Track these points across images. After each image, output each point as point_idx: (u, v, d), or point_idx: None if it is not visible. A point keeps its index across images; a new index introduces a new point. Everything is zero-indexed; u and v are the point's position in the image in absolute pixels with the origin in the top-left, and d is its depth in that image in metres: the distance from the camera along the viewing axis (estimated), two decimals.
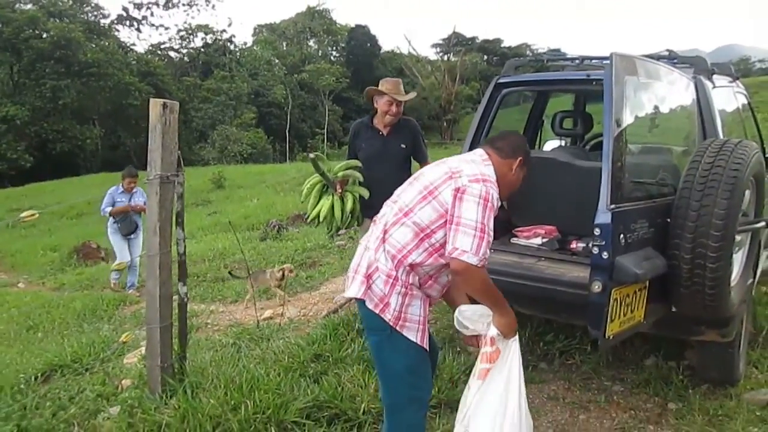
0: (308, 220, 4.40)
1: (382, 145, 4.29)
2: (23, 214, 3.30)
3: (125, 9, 45.16)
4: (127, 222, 7.83)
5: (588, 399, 3.57)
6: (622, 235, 2.61)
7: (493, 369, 2.37)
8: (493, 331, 2.37)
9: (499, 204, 2.36)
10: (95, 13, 42.39)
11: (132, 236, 7.94)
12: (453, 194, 2.30)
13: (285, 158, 41.08)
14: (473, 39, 70.54)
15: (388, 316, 2.33)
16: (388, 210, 2.49)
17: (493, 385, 2.37)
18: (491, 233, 2.24)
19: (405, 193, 2.47)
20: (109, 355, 4.75)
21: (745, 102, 4.62)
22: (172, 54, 48.50)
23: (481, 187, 2.29)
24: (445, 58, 62.11)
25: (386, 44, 63.06)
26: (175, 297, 3.42)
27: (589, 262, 2.75)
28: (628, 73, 2.75)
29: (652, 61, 3.11)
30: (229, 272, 6.63)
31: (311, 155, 4.26)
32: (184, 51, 48.63)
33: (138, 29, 45.95)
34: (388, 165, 4.20)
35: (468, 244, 2.19)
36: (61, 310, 6.99)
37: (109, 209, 7.77)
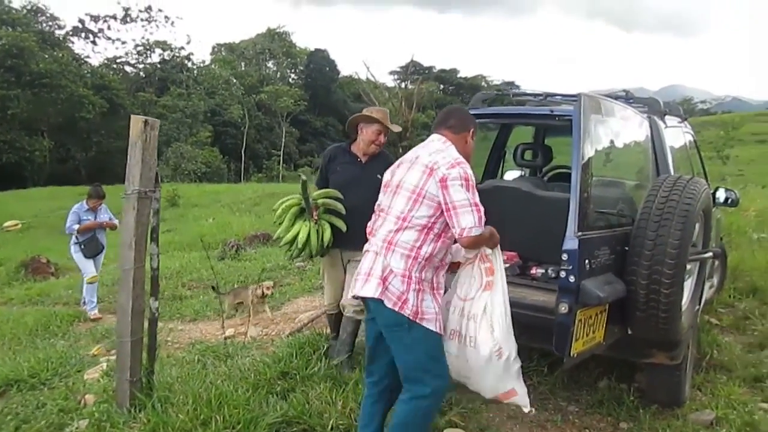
0: (281, 243, 4.12)
1: (360, 172, 4.06)
2: (6, 224, 3.27)
3: (81, 21, 44.45)
4: (93, 243, 7.48)
5: (545, 418, 3.72)
6: (587, 261, 2.80)
7: (493, 281, 2.81)
8: (486, 250, 2.81)
9: None
10: (50, 23, 41.57)
11: (97, 256, 7.63)
12: (439, 186, 2.60)
13: (240, 178, 40.80)
14: (430, 68, 71.93)
15: (407, 312, 2.60)
16: (382, 220, 2.79)
17: (496, 294, 2.80)
18: (480, 204, 2.60)
19: (395, 202, 2.74)
20: (68, 371, 4.70)
21: (692, 141, 4.95)
22: (127, 68, 47.84)
23: (459, 170, 2.62)
24: (403, 85, 62.94)
25: (345, 69, 63.45)
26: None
27: (551, 287, 2.96)
28: (594, 112, 2.97)
29: (613, 102, 3.34)
30: (213, 287, 6.57)
31: (303, 177, 4.11)
32: (141, 66, 48.06)
33: (94, 42, 45.16)
34: (363, 193, 3.86)
35: (471, 221, 2.56)
36: (11, 325, 6.81)
37: (76, 227, 7.38)
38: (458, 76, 74.87)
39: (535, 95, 4.28)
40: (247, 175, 43.76)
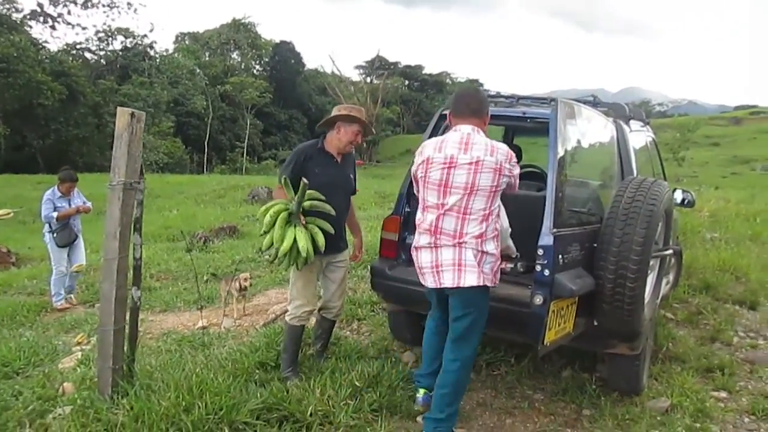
0: (279, 254, 3.71)
1: (338, 173, 4.03)
2: None
3: (40, 5, 43.01)
4: (66, 231, 7.19)
5: (513, 405, 3.91)
6: (560, 256, 2.98)
7: None
8: None
9: None
10: (7, 6, 40.19)
11: (73, 244, 7.33)
12: (510, 178, 3.14)
13: (203, 169, 40.42)
14: (396, 64, 72.28)
15: (490, 283, 3.13)
16: (457, 218, 3.10)
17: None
18: None
19: (475, 202, 3.09)
20: (41, 360, 4.70)
21: (653, 144, 5.21)
22: (88, 55, 46.61)
23: (515, 161, 3.17)
24: (368, 80, 63.18)
25: (310, 62, 63.45)
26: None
27: (521, 281, 3.15)
28: (568, 117, 3.15)
29: (585, 107, 3.54)
30: (213, 274, 6.92)
31: (305, 180, 3.68)
32: (102, 53, 46.88)
33: (53, 27, 43.82)
34: (342, 194, 4.03)
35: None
36: None
37: (54, 214, 7.07)
38: (423, 72, 75.41)
39: (506, 97, 4.45)
40: (210, 166, 43.36)
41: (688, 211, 10.95)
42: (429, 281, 3.21)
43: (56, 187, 7.28)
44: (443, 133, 4.29)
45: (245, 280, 5.77)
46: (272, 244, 3.72)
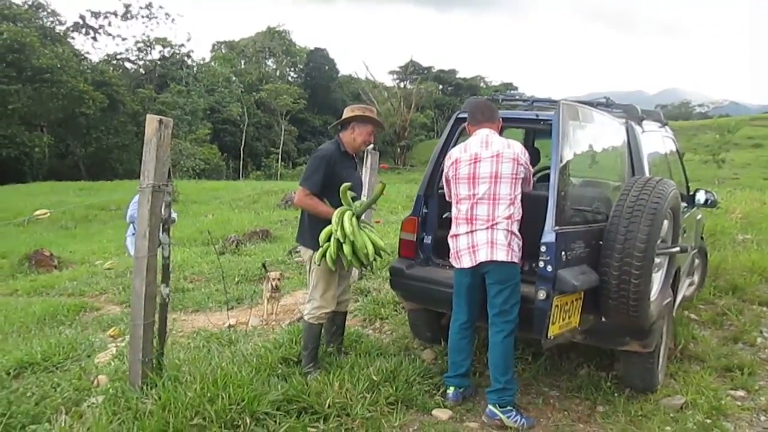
0: (369, 258, 3.88)
1: (356, 174, 4.22)
2: (36, 213, 3.52)
3: (82, 17, 44.57)
4: None
5: (528, 402, 3.99)
6: (563, 252, 3.08)
7: None
8: None
9: None
10: (51, 19, 41.73)
11: None
12: (525, 167, 3.65)
13: (238, 175, 41.05)
14: (429, 68, 72.23)
15: (516, 259, 3.55)
16: (489, 204, 3.59)
17: None
18: None
19: (501, 189, 3.58)
20: (79, 355, 4.95)
21: (672, 144, 5.23)
22: (127, 65, 47.97)
23: (527, 154, 3.72)
24: (402, 85, 63.39)
25: (344, 68, 64.03)
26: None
27: (530, 278, 3.24)
28: (572, 118, 3.25)
29: (590, 108, 3.62)
30: (263, 265, 7.09)
31: (382, 182, 4.03)
32: (141, 63, 48.18)
33: (94, 38, 45.30)
34: (359, 193, 4.16)
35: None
36: (20, 314, 7.04)
37: None
38: (457, 76, 75.21)
39: (523, 100, 4.55)
40: (245, 172, 44.04)
41: (720, 213, 10.82)
42: (465, 261, 3.62)
43: None
44: (460, 135, 4.43)
45: (275, 279, 5.77)
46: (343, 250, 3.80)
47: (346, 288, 4.34)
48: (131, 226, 7.15)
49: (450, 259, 3.77)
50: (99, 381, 4.02)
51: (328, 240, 3.82)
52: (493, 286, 3.58)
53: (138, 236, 3.59)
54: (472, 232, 3.60)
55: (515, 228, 3.56)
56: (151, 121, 3.54)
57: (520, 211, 3.61)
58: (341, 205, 3.89)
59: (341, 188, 3.83)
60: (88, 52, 45.20)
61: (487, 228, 3.55)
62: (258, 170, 44.62)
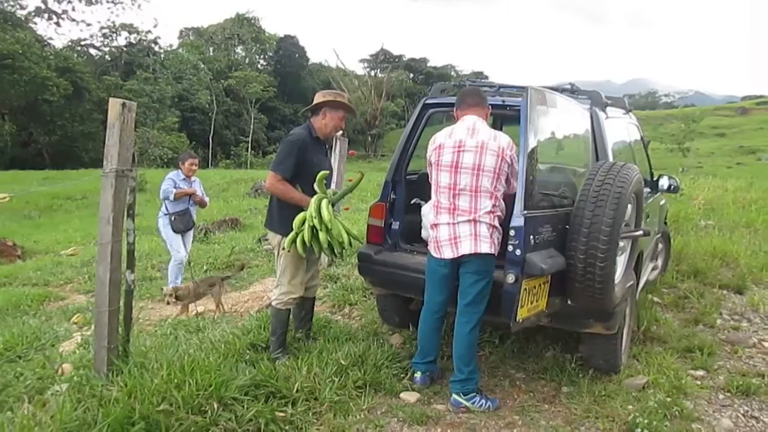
0: (345, 249, 3.96)
1: (328, 161, 4.22)
2: None
3: (44, 1, 43.19)
4: (186, 218, 6.93)
5: (494, 384, 4.05)
6: (531, 236, 3.12)
7: None
8: None
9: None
10: (12, 3, 40.37)
11: (186, 233, 7.07)
12: (510, 163, 3.52)
13: (207, 164, 40.53)
14: (400, 57, 72.11)
15: (496, 252, 3.52)
16: (470, 196, 3.53)
17: None
18: None
19: (482, 182, 3.51)
20: (43, 344, 4.87)
21: (636, 131, 5.32)
22: (92, 51, 46.93)
23: (516, 150, 3.49)
24: (372, 73, 63.18)
25: (314, 56, 63.42)
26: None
27: (500, 263, 3.27)
28: (540, 104, 3.27)
29: (557, 94, 3.66)
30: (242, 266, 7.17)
31: (360, 172, 4.07)
32: (106, 49, 47.20)
33: (57, 23, 44.06)
34: (330, 180, 4.17)
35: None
36: None
37: (174, 191, 6.73)
38: (428, 65, 75.21)
39: (490, 86, 4.57)
40: (214, 161, 43.55)
41: (683, 200, 11.07)
42: (446, 253, 3.59)
43: (179, 170, 7.00)
44: (427, 121, 4.44)
45: (168, 295, 5.59)
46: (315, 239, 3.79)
47: (315, 273, 4.34)
48: (164, 205, 6.93)
49: (428, 247, 3.73)
50: (63, 369, 3.96)
51: (302, 225, 3.79)
52: (470, 275, 3.57)
53: (101, 222, 3.52)
54: (454, 224, 3.56)
55: (497, 222, 3.55)
56: (114, 104, 3.47)
57: (503, 205, 3.58)
58: (312, 191, 3.87)
59: (318, 176, 3.82)
60: (51, 38, 44.15)
61: (470, 221, 3.52)
62: (227, 159, 44.18)
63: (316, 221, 3.74)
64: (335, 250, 3.89)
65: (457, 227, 3.55)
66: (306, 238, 3.77)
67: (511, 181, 3.58)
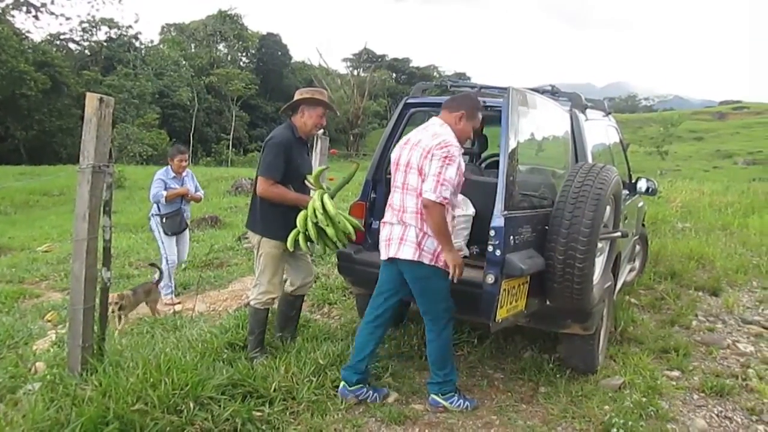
0: (349, 240, 3.98)
1: (308, 160, 4.19)
2: None
3: None
4: (177, 218, 6.51)
5: (473, 384, 4.06)
6: (511, 237, 3.12)
7: None
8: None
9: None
10: None
11: (180, 235, 6.67)
12: (430, 162, 3.27)
13: (188, 161, 40.16)
14: (383, 57, 72.16)
15: (426, 260, 3.36)
16: (401, 195, 3.45)
17: None
18: (448, 181, 3.20)
19: (409, 179, 3.39)
20: (16, 342, 4.79)
21: (615, 133, 5.36)
22: (72, 46, 46.16)
23: (444, 151, 3.26)
24: (355, 73, 63.03)
25: (297, 55, 63.22)
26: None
27: (479, 263, 3.28)
28: (521, 104, 3.28)
29: (538, 95, 3.67)
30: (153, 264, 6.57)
31: (355, 162, 4.00)
32: (86, 44, 46.46)
33: (36, 16, 43.28)
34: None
35: (428, 187, 3.21)
36: None
37: (164, 193, 6.37)
38: (411, 65, 75.33)
39: (471, 87, 4.58)
40: (195, 158, 43.15)
41: (661, 202, 11.19)
42: (383, 253, 3.56)
43: (169, 166, 6.60)
44: (408, 121, 4.44)
45: (114, 303, 5.09)
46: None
47: (309, 271, 4.27)
48: (154, 205, 6.57)
49: None
50: (37, 368, 3.89)
51: (305, 223, 3.80)
52: (410, 282, 3.50)
53: (77, 218, 3.47)
54: (391, 224, 3.50)
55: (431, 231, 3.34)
56: (92, 99, 3.43)
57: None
58: (300, 191, 3.91)
59: (316, 171, 3.93)
60: (29, 32, 43.33)
61: (400, 221, 3.43)
62: (208, 156, 43.78)
63: (321, 216, 3.75)
64: (339, 243, 3.92)
65: (392, 228, 3.48)
66: (313, 236, 3.81)
67: (421, 185, 3.31)
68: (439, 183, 3.20)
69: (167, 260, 6.40)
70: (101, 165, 3.44)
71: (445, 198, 3.20)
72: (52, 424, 2.89)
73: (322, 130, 5.03)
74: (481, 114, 3.55)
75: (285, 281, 4.20)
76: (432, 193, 3.19)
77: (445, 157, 3.24)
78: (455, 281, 3.35)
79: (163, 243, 6.46)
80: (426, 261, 3.37)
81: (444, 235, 3.28)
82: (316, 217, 3.75)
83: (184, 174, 6.62)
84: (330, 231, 3.79)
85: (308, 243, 3.91)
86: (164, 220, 6.42)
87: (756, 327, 5.39)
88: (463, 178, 3.41)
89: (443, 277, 3.40)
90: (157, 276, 5.87)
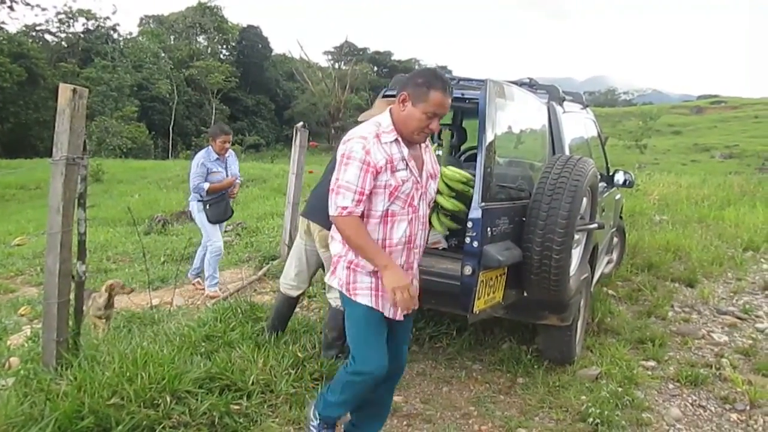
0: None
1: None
2: None
3: None
4: (222, 206, 6.05)
5: (451, 375, 4.08)
6: (489, 228, 3.12)
7: None
8: None
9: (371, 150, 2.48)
10: None
11: (222, 223, 6.35)
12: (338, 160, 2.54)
13: (167, 155, 39.82)
14: (365, 50, 71.97)
15: (340, 287, 2.65)
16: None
17: None
18: (347, 185, 2.45)
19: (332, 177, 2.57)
20: None
21: (593, 126, 5.40)
22: (48, 37, 45.54)
23: (342, 147, 2.51)
24: (336, 66, 62.84)
25: (278, 47, 62.77)
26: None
27: (457, 255, 3.27)
28: (499, 96, 3.28)
29: (516, 87, 3.67)
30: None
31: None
32: (63, 35, 45.86)
33: (11, 7, 42.50)
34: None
35: (332, 202, 2.50)
36: None
37: (206, 185, 5.91)
38: (392, 58, 75.18)
39: (451, 79, 4.56)
40: (175, 152, 42.78)
41: (638, 195, 11.31)
42: None
43: (210, 147, 6.11)
44: None
45: (121, 287, 4.74)
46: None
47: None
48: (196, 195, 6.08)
49: None
50: (10, 363, 3.85)
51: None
52: None
53: (51, 211, 3.42)
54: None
55: (336, 248, 2.67)
56: (65, 90, 3.37)
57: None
58: None
59: None
60: (4, 22, 42.79)
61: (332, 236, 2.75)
62: (188, 150, 43.33)
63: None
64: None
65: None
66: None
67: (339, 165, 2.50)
68: (334, 191, 2.49)
69: (210, 248, 5.99)
70: (75, 157, 3.39)
71: (344, 207, 2.45)
72: (26, 419, 2.85)
73: (301, 123, 5.00)
74: (440, 93, 2.49)
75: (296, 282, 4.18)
76: (332, 205, 2.51)
77: (342, 155, 2.49)
78: (397, 317, 2.64)
79: (206, 230, 6.05)
80: (338, 287, 2.68)
81: (364, 249, 2.51)
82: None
83: (227, 155, 6.14)
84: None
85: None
86: (208, 207, 5.97)
87: (730, 317, 5.48)
88: (401, 181, 2.52)
89: (361, 315, 2.62)
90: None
